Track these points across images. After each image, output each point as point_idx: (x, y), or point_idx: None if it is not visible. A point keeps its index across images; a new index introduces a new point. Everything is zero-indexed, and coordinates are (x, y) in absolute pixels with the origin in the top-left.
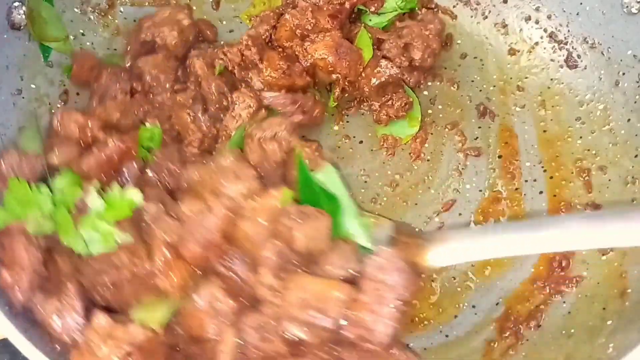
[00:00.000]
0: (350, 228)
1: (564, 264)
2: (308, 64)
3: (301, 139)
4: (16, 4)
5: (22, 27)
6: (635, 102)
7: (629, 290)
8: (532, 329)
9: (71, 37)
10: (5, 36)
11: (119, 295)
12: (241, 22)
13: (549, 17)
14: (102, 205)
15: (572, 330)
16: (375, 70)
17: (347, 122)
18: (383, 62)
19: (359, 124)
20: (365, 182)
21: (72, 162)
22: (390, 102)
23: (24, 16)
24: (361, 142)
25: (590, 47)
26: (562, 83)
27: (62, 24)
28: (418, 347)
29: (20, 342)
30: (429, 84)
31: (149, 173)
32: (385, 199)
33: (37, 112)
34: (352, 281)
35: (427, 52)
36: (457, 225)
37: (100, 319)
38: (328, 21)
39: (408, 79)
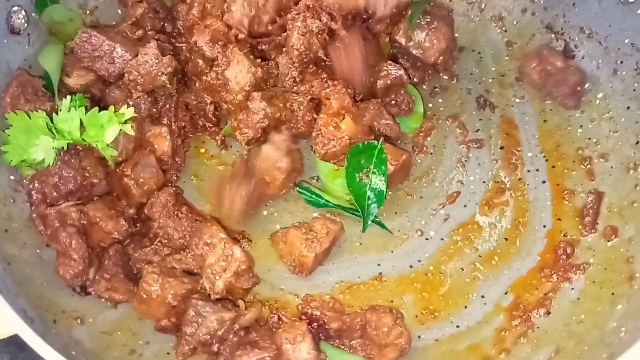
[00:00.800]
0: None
1: (568, 251)
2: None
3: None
4: (15, 8)
5: (21, 32)
6: (634, 90)
7: (637, 275)
8: (542, 317)
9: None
10: (5, 41)
11: None
12: None
13: (545, 8)
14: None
15: (582, 316)
16: (382, 73)
17: None
18: (390, 66)
19: None
20: None
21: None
22: (394, 102)
23: (23, 21)
24: None
25: (587, 37)
26: None
27: (74, 14)
28: (430, 339)
29: (35, 340)
30: (429, 78)
31: None
32: (390, 193)
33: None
34: None
35: (438, 52)
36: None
37: None
38: None
39: (413, 75)
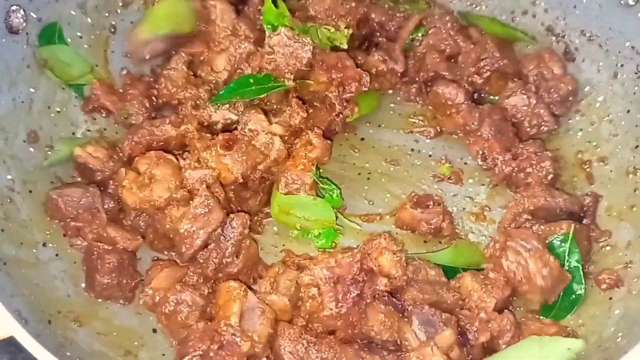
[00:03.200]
0: None
1: None
2: None
3: None
4: (14, 7)
5: (20, 31)
6: (634, 93)
7: (635, 280)
8: None
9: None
10: (3, 40)
11: None
12: None
13: (545, 10)
14: None
15: (580, 321)
16: None
17: None
18: None
19: None
20: None
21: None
22: None
23: (22, 20)
24: None
25: (588, 40)
26: None
27: (83, 58)
28: None
29: (28, 341)
30: None
31: None
32: None
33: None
34: None
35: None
36: None
37: None
38: None
39: None
